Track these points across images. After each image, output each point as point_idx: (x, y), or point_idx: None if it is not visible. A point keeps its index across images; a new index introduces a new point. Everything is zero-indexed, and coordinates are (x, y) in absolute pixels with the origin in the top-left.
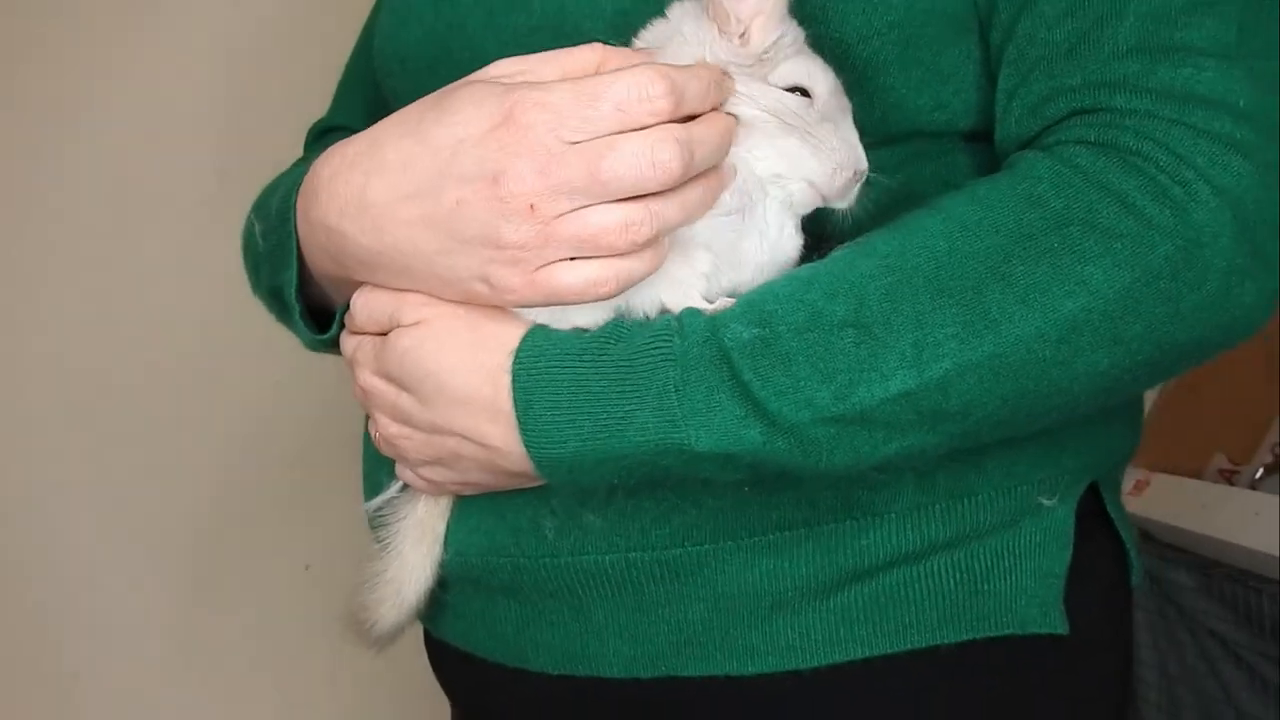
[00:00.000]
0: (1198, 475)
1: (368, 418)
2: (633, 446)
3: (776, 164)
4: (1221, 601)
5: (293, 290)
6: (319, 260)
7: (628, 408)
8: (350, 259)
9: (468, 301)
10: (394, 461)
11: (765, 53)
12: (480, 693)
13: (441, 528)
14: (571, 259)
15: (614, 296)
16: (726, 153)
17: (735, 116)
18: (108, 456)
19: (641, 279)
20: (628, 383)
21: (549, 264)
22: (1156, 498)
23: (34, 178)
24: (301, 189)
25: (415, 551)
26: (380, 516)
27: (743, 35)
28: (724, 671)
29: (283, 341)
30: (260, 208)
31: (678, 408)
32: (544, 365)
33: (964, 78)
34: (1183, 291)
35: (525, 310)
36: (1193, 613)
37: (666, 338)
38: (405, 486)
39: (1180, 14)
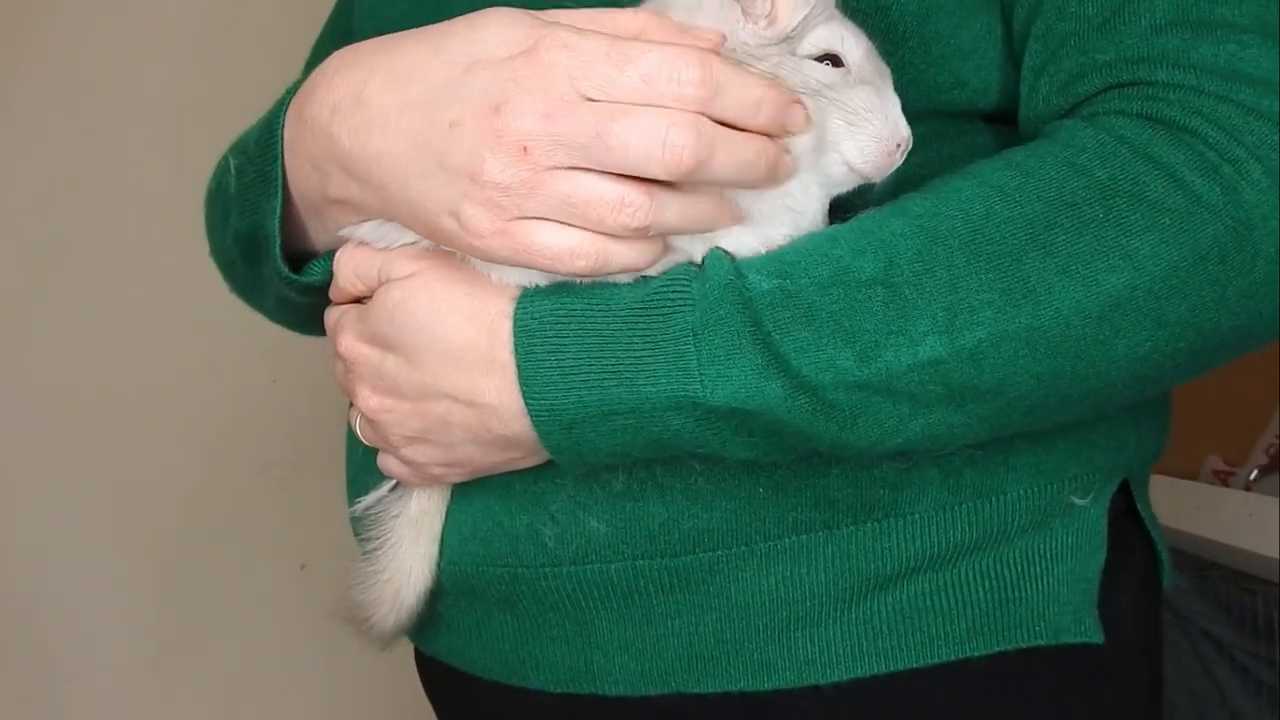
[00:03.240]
0: (1192, 477)
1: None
2: (642, 398)
3: (809, 144)
4: (1216, 603)
5: (275, 220)
6: (300, 174)
7: (639, 353)
8: (332, 163)
9: (433, 239)
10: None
11: (794, 29)
12: (475, 713)
13: (438, 527)
14: (554, 222)
15: (586, 276)
16: (754, 183)
17: (791, 155)
18: (100, 457)
19: (618, 271)
20: (640, 327)
21: (527, 218)
22: (1151, 499)
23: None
24: (300, 88)
25: (412, 552)
26: (370, 517)
27: (769, 14)
28: (738, 688)
29: (275, 338)
30: (238, 144)
31: (694, 354)
32: (549, 308)
33: (984, 54)
34: (1230, 276)
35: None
36: (1187, 614)
37: (685, 281)
38: (396, 486)
39: None
